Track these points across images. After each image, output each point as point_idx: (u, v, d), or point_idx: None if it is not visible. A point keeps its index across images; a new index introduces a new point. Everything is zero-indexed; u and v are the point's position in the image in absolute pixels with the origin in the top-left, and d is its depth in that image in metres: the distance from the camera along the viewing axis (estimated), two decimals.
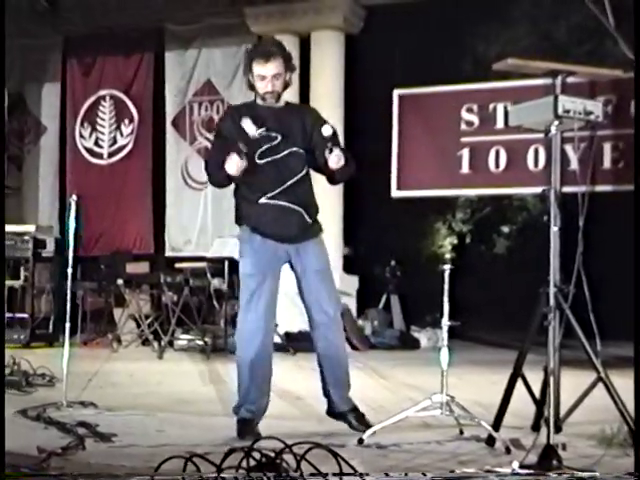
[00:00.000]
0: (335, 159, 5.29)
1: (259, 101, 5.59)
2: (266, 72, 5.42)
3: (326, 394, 5.63)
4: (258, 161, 5.40)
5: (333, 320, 5.55)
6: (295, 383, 7.09)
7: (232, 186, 5.60)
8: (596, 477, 3.92)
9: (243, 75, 5.67)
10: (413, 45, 13.53)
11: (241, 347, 5.46)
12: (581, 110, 4.81)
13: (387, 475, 3.80)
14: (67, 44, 15.93)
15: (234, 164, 5.28)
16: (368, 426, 5.37)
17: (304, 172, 5.53)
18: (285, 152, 5.45)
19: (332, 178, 5.61)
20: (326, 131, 5.24)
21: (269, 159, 5.43)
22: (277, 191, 5.42)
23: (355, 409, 5.61)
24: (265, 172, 5.42)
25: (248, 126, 5.39)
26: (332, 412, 5.65)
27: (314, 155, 5.50)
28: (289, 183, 5.44)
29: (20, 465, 4.05)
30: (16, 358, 8.13)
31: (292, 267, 5.54)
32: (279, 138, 5.44)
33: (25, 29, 15.64)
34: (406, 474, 3.76)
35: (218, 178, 5.53)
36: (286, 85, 5.54)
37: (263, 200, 5.42)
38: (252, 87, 5.56)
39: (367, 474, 3.67)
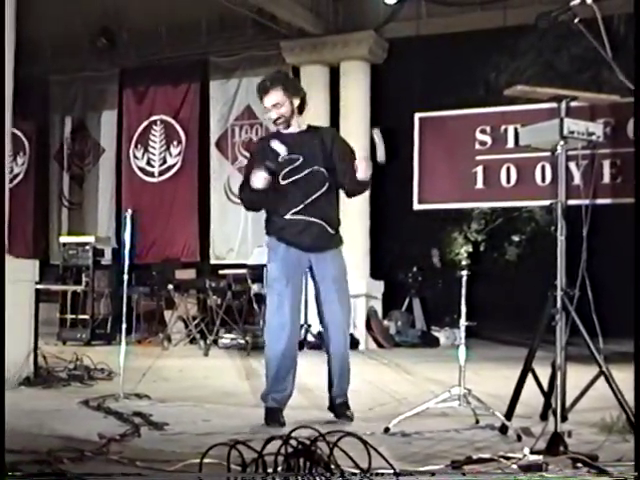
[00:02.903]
0: (363, 168, 5.36)
1: (280, 129, 5.68)
2: (266, 103, 5.59)
3: (330, 385, 5.69)
4: (282, 182, 5.48)
5: (341, 323, 5.61)
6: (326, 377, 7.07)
7: None
8: None
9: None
10: (432, 73, 13.52)
11: (269, 343, 5.53)
12: (584, 131, 4.79)
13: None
14: (123, 76, 16.03)
15: (259, 178, 5.36)
16: (350, 419, 5.50)
17: (325, 188, 5.57)
18: (306, 171, 5.51)
19: (350, 190, 5.68)
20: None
21: (292, 179, 5.51)
22: (301, 207, 5.49)
23: (347, 404, 5.65)
24: (289, 191, 5.50)
25: (277, 146, 5.48)
26: (331, 401, 5.70)
27: (335, 172, 5.56)
28: (311, 199, 5.50)
29: (84, 449, 4.08)
30: (79, 355, 8.19)
31: (312, 273, 5.59)
32: (301, 159, 5.51)
33: (87, 64, 15.82)
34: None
35: (249, 197, 5.62)
36: (298, 109, 5.61)
37: (288, 216, 5.50)
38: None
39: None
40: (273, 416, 5.40)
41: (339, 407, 5.62)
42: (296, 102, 5.60)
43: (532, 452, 4.02)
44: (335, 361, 5.62)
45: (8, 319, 7.32)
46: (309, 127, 5.73)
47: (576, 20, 4.51)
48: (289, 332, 5.46)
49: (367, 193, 13.22)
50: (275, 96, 5.53)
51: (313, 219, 5.49)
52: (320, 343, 11.47)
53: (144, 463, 3.92)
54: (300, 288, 5.61)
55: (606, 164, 11.50)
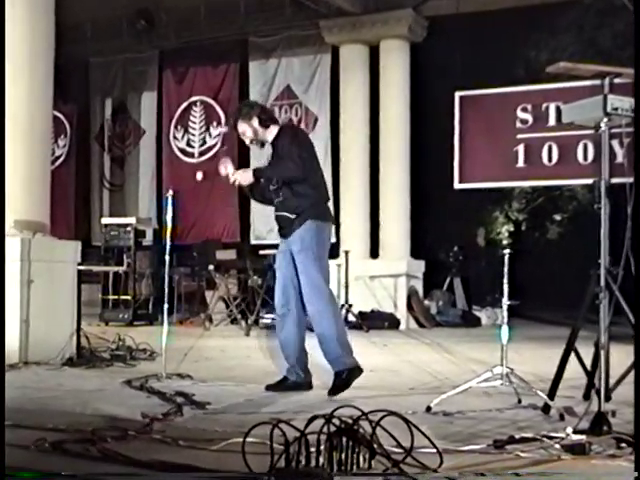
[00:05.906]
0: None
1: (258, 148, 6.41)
2: (240, 134, 6.18)
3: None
4: (271, 187, 6.07)
5: (310, 289, 5.87)
6: (369, 357, 7.07)
7: None
8: None
9: None
10: (472, 51, 13.41)
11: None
12: (628, 108, 4.73)
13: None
14: (163, 57, 16.11)
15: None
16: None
17: (280, 184, 6.00)
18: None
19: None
20: None
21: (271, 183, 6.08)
22: (274, 205, 6.08)
23: (340, 374, 5.75)
24: (272, 194, 6.10)
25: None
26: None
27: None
28: (276, 196, 6.03)
29: (127, 429, 4.11)
30: (121, 335, 8.26)
31: (292, 253, 5.97)
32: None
33: (126, 46, 15.89)
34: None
35: None
36: (260, 125, 6.08)
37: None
38: None
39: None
40: (278, 383, 5.95)
41: (336, 377, 5.76)
42: (254, 122, 6.08)
43: (575, 432, 4.00)
44: (314, 324, 5.88)
45: (51, 300, 7.46)
46: (279, 130, 6.14)
47: None
48: (278, 307, 6.04)
49: (407, 172, 13.29)
50: (239, 127, 6.14)
51: (278, 213, 6.06)
52: (360, 323, 11.57)
53: (187, 442, 3.95)
54: (290, 270, 5.96)
55: None
